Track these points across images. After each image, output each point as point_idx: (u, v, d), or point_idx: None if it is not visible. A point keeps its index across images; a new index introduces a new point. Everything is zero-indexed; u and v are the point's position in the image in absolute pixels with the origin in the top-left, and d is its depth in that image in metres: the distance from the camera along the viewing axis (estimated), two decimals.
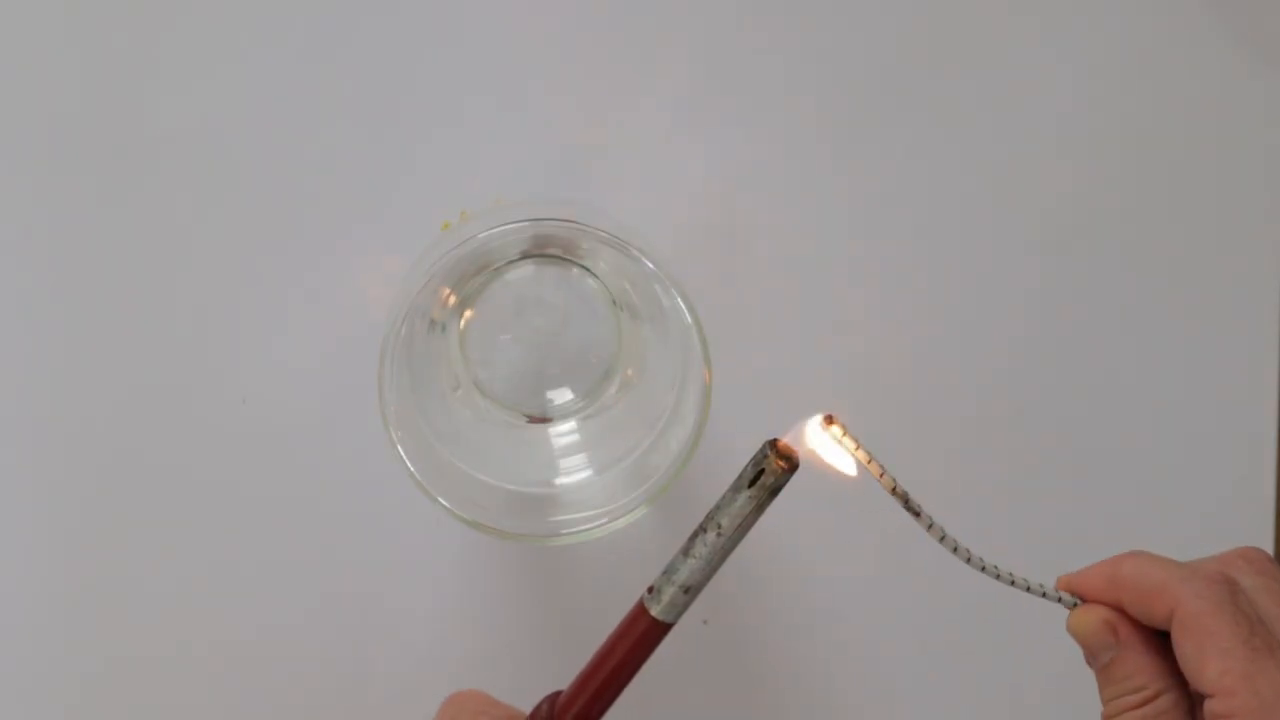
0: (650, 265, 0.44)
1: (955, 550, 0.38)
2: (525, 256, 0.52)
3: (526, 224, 0.45)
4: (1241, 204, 0.58)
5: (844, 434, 0.38)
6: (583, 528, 0.46)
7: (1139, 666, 0.37)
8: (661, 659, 0.56)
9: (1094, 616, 0.38)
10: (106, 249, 0.55)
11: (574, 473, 0.51)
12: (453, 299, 0.51)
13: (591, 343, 0.52)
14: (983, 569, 0.38)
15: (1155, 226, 0.58)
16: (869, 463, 0.38)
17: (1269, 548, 0.57)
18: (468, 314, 0.52)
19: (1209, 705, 0.35)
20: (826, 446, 0.38)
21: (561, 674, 0.54)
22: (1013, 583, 0.38)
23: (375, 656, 0.56)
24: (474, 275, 0.51)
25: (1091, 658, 0.38)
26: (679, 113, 0.56)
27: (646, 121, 0.56)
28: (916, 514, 0.38)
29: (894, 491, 0.37)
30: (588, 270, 0.52)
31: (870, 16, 0.56)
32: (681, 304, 0.45)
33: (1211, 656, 0.35)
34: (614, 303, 0.52)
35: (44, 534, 0.55)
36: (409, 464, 0.45)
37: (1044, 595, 0.39)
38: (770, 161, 0.56)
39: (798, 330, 0.57)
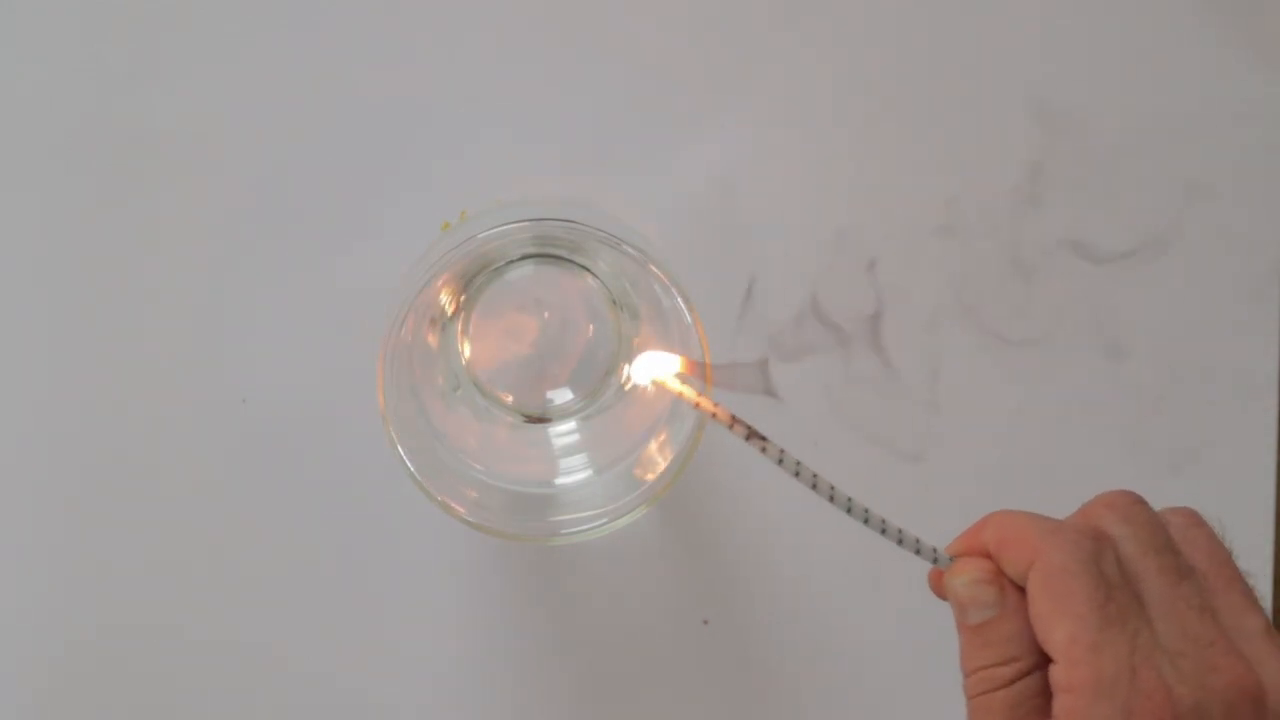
0: (650, 265, 0.44)
1: (816, 488, 0.35)
2: (525, 256, 0.52)
3: (526, 224, 0.45)
4: (1241, 203, 0.58)
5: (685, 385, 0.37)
6: (583, 528, 0.46)
7: (1018, 632, 0.34)
8: (662, 659, 0.56)
9: (982, 566, 0.34)
10: (107, 249, 0.55)
11: (574, 473, 0.51)
12: (453, 299, 0.52)
13: (591, 343, 0.52)
14: (848, 510, 0.35)
15: (1156, 226, 0.58)
16: (715, 409, 0.36)
17: (1268, 549, 0.57)
18: (468, 314, 0.52)
19: (1053, 671, 0.32)
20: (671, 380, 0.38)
21: (561, 674, 0.54)
22: (882, 531, 0.35)
23: (374, 656, 0.56)
24: (474, 275, 0.51)
25: (962, 613, 0.35)
26: (679, 113, 0.56)
27: (646, 121, 0.56)
28: (764, 447, 0.35)
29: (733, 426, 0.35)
30: (588, 270, 0.52)
31: (873, 16, 0.56)
32: (681, 304, 0.45)
33: (1063, 619, 0.32)
34: (614, 303, 0.52)
35: (43, 534, 0.55)
36: (409, 464, 0.45)
37: (898, 541, 0.35)
38: (771, 162, 0.56)
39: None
